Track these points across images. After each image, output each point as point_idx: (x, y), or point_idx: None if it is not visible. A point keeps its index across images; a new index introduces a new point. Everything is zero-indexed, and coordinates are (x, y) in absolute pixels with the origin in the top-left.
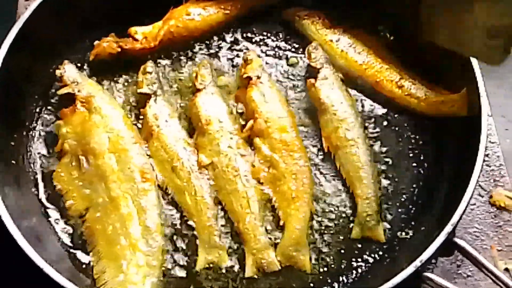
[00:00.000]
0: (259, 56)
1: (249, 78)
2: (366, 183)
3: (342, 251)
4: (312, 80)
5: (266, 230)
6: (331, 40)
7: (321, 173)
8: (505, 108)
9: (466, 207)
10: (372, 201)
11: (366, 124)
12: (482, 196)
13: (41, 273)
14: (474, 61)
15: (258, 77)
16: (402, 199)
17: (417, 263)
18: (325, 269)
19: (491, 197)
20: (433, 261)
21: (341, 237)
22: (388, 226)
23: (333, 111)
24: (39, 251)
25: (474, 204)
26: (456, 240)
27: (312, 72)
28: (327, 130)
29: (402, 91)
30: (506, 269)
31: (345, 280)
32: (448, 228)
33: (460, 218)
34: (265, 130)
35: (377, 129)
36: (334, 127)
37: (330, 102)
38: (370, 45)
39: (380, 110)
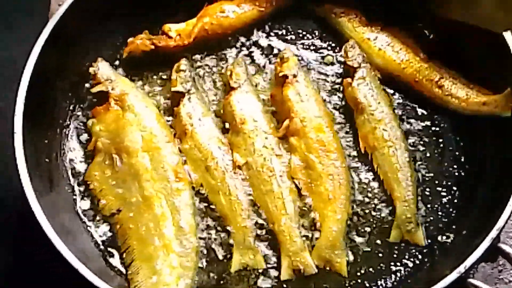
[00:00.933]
0: (294, 55)
1: (285, 76)
2: (404, 185)
3: (380, 254)
4: (349, 80)
5: (302, 231)
6: (369, 38)
7: (357, 174)
8: None
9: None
10: (410, 203)
11: (406, 125)
12: None
13: (73, 272)
14: None
15: (295, 76)
16: (443, 202)
17: (461, 269)
18: (363, 272)
19: None
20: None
21: (379, 240)
22: (428, 229)
23: (371, 111)
24: (72, 249)
25: None
26: (501, 245)
27: (348, 71)
28: (364, 130)
29: (442, 91)
30: None
31: (384, 284)
32: (493, 233)
33: (506, 222)
34: (301, 129)
35: (417, 129)
36: (371, 128)
37: (367, 102)
38: (409, 43)
39: (419, 110)
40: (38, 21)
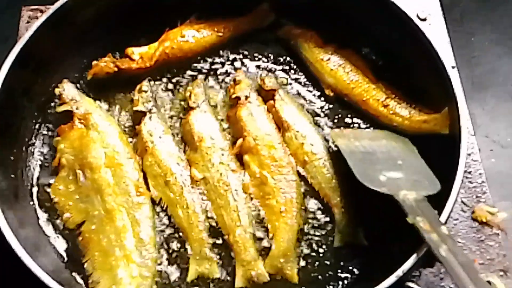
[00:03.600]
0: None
1: (238, 98)
2: (339, 192)
3: (327, 262)
4: (271, 102)
5: (255, 242)
6: (322, 59)
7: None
8: (489, 130)
9: (446, 221)
10: (347, 208)
11: None
12: (465, 212)
13: (39, 283)
14: (456, 83)
15: (247, 97)
16: (384, 212)
17: (399, 273)
18: (312, 279)
19: (473, 212)
20: (417, 273)
21: (326, 248)
22: (373, 237)
23: (296, 129)
24: (37, 262)
25: (457, 219)
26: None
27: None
28: (293, 147)
29: (387, 109)
30: (488, 282)
31: None
32: None
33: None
34: (254, 147)
35: None
36: (299, 144)
37: (291, 120)
38: (359, 65)
39: (365, 127)
40: (7, 46)
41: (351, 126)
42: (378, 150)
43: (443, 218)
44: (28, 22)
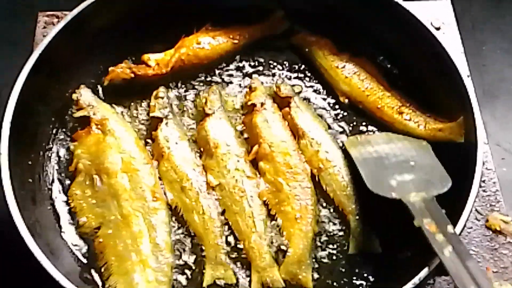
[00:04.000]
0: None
1: (254, 105)
2: (354, 200)
3: (342, 269)
4: (287, 109)
5: (271, 248)
6: (337, 66)
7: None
8: (500, 138)
9: (462, 230)
10: (362, 216)
11: None
12: (479, 220)
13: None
14: (471, 92)
15: (262, 104)
16: (399, 219)
17: (416, 280)
18: (327, 286)
19: (487, 221)
20: (432, 281)
21: (341, 255)
22: (388, 245)
23: (311, 136)
24: (56, 265)
25: (471, 227)
26: None
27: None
28: (308, 154)
29: (401, 117)
30: None
31: None
32: None
33: None
34: (269, 154)
35: None
36: (314, 151)
37: (306, 128)
38: (373, 73)
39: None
40: (22, 50)
41: (366, 133)
42: (391, 153)
43: (459, 227)
44: (44, 27)
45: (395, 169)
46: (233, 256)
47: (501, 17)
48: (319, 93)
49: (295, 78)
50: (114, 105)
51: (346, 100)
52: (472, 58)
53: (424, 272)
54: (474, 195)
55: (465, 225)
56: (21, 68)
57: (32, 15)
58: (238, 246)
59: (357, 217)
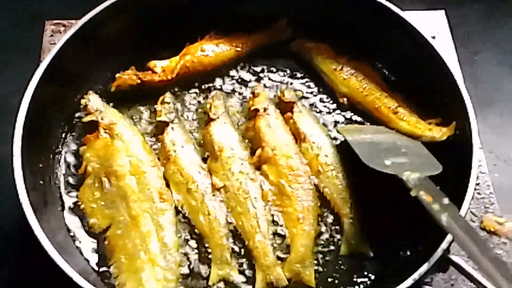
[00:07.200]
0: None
1: (257, 110)
2: (349, 204)
3: (344, 267)
4: (289, 114)
5: (274, 248)
6: (335, 69)
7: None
8: (492, 145)
9: None
10: (355, 219)
11: None
12: (474, 222)
13: (73, 285)
14: (467, 99)
15: (265, 109)
16: (398, 221)
17: (416, 276)
18: (329, 284)
19: (481, 222)
20: (429, 279)
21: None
22: (384, 244)
23: (312, 140)
24: (69, 264)
25: None
26: (451, 256)
27: (285, 108)
28: (309, 157)
29: (396, 116)
30: None
31: None
32: (444, 245)
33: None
34: (272, 157)
35: None
36: (315, 154)
37: (308, 132)
38: (370, 75)
39: None
40: (30, 58)
41: None
42: (384, 141)
43: None
44: (51, 35)
45: (388, 153)
46: (238, 255)
47: (494, 28)
48: (320, 98)
49: (297, 83)
50: (121, 110)
51: (346, 102)
52: (465, 67)
53: (424, 268)
54: (470, 198)
55: None
56: (31, 75)
57: (39, 23)
58: (243, 245)
59: (351, 220)
